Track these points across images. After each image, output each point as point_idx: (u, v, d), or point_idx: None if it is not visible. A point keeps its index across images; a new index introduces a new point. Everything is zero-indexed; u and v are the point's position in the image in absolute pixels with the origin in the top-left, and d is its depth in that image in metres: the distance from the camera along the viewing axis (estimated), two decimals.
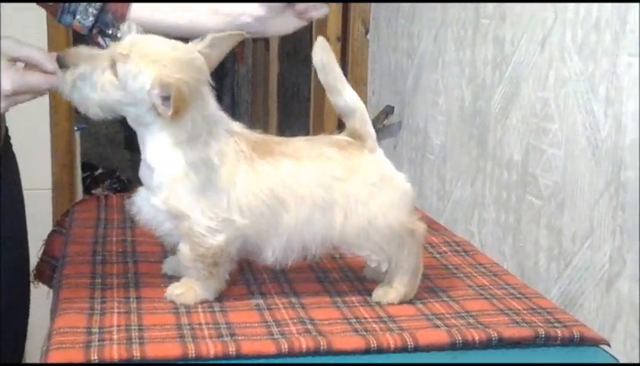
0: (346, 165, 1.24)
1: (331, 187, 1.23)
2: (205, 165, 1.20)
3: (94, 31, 1.37)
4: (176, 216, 1.21)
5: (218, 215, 1.20)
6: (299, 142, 1.27)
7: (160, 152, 1.21)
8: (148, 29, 1.36)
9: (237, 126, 1.26)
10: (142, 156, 1.23)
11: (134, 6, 1.37)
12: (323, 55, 1.26)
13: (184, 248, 1.23)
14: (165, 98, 1.15)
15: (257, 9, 1.39)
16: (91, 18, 1.36)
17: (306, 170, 1.23)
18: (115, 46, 1.19)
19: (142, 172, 1.25)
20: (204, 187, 1.20)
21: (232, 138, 1.23)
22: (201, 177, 1.20)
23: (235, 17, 1.36)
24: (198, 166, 1.20)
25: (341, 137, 1.28)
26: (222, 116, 1.24)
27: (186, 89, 1.15)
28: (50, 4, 1.38)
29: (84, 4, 1.36)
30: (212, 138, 1.21)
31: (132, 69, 1.17)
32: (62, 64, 1.20)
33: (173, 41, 1.21)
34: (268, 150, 1.23)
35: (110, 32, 1.35)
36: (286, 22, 1.43)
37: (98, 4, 1.36)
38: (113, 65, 1.18)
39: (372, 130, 1.28)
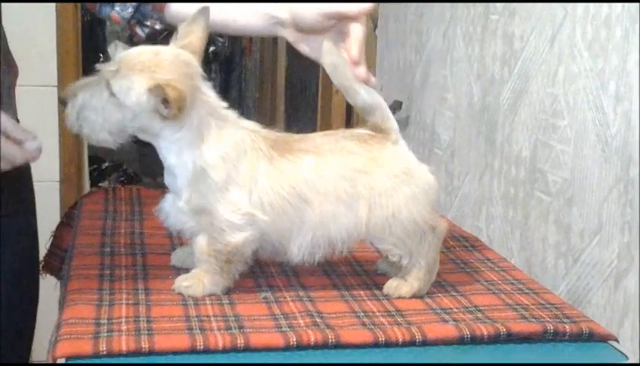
0: (369, 158, 1.24)
1: (355, 180, 1.23)
2: (223, 162, 1.20)
3: (132, 22, 1.37)
4: (199, 212, 1.22)
5: (240, 209, 1.20)
6: (318, 138, 1.27)
7: (177, 156, 1.21)
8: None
9: (252, 124, 1.26)
10: (164, 164, 1.24)
11: None
12: (333, 58, 1.26)
13: (202, 241, 1.23)
14: (164, 101, 1.16)
15: (283, 11, 1.34)
16: (130, 9, 1.36)
17: (328, 165, 1.23)
18: (105, 66, 1.20)
19: (167, 179, 1.26)
20: (225, 183, 1.20)
21: (248, 136, 1.23)
22: (221, 173, 1.20)
23: (270, 18, 1.34)
24: (216, 163, 1.20)
25: (363, 131, 1.28)
26: (229, 111, 1.24)
27: (179, 86, 1.16)
28: None
29: None
30: (224, 134, 1.21)
31: (125, 84, 1.17)
32: (63, 101, 1.22)
33: (155, 47, 1.21)
34: (287, 148, 1.23)
35: (148, 23, 1.35)
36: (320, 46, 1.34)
37: None
38: (107, 85, 1.18)
39: (394, 125, 1.28)
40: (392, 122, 1.28)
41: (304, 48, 1.37)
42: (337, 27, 1.33)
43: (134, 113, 1.18)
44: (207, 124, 1.20)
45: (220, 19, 1.35)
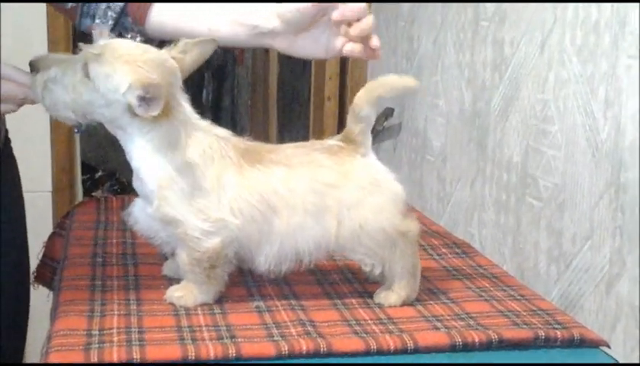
0: (337, 171, 1.24)
1: (323, 193, 1.23)
2: (190, 169, 1.19)
3: (113, 35, 1.35)
4: (169, 223, 1.21)
5: (210, 216, 1.20)
6: (289, 150, 1.26)
7: (144, 159, 1.20)
8: (166, 35, 1.33)
9: (223, 131, 1.25)
10: (132, 166, 1.23)
11: (154, 11, 1.34)
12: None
13: (182, 254, 1.23)
14: (142, 99, 1.15)
15: (269, 20, 1.30)
16: (111, 22, 1.34)
17: (298, 177, 1.23)
18: (87, 48, 1.19)
19: (135, 183, 1.25)
20: (193, 190, 1.20)
21: (217, 143, 1.22)
22: (188, 180, 1.20)
23: (253, 28, 1.31)
24: (183, 170, 1.19)
25: (333, 142, 1.27)
26: (201, 121, 1.23)
27: (164, 91, 1.15)
28: (69, 6, 1.37)
29: (104, 7, 1.34)
30: (192, 141, 1.20)
31: (105, 70, 1.16)
32: (34, 68, 1.20)
33: (144, 45, 1.21)
34: (258, 158, 1.23)
35: (129, 36, 1.34)
36: (317, 42, 1.31)
37: (118, 8, 1.34)
38: (85, 66, 1.17)
39: (369, 141, 1.27)
40: (367, 138, 1.27)
41: (298, 51, 1.32)
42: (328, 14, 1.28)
43: (107, 101, 1.17)
44: (177, 132, 1.19)
45: (205, 30, 1.32)
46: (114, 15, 1.35)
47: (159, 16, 1.35)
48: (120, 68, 1.15)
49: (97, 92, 1.17)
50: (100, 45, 1.18)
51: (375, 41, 1.28)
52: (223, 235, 1.21)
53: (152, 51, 1.19)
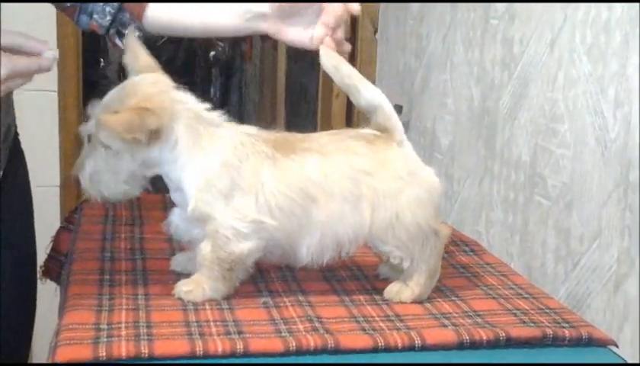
0: (374, 159, 1.23)
1: (360, 181, 1.22)
2: (225, 168, 1.19)
3: (111, 32, 1.37)
4: (204, 219, 1.21)
5: (247, 216, 1.20)
6: (323, 138, 1.26)
7: (181, 171, 1.21)
8: (162, 29, 1.35)
9: (249, 128, 1.25)
10: (169, 185, 1.24)
11: (151, 6, 1.36)
12: (331, 60, 1.26)
13: (205, 247, 1.23)
14: (131, 128, 1.15)
15: (261, 5, 1.34)
16: (109, 17, 1.36)
17: (334, 165, 1.22)
18: (87, 126, 1.21)
19: (174, 195, 1.25)
20: (230, 190, 1.20)
21: (248, 139, 1.22)
22: (225, 181, 1.19)
23: (246, 12, 1.34)
24: (219, 171, 1.19)
25: (368, 131, 1.27)
26: (213, 114, 1.23)
27: (135, 113, 1.15)
28: (68, 5, 1.38)
29: (101, 4, 1.36)
30: (218, 139, 1.21)
31: (102, 132, 1.17)
32: (76, 178, 1.23)
33: (121, 84, 1.21)
34: (290, 148, 1.23)
35: (126, 32, 1.35)
36: (305, 30, 1.34)
37: (116, 4, 1.36)
38: (99, 141, 1.19)
39: (398, 123, 1.27)
40: (394, 121, 1.27)
41: (287, 36, 1.36)
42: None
43: (129, 153, 1.18)
44: (196, 131, 1.20)
45: (198, 22, 1.36)
46: (112, 11, 1.37)
47: (155, 10, 1.37)
48: (108, 124, 1.15)
49: (119, 153, 1.19)
50: (95, 114, 1.19)
51: (340, 34, 1.33)
52: (253, 242, 1.21)
53: (126, 85, 1.20)
